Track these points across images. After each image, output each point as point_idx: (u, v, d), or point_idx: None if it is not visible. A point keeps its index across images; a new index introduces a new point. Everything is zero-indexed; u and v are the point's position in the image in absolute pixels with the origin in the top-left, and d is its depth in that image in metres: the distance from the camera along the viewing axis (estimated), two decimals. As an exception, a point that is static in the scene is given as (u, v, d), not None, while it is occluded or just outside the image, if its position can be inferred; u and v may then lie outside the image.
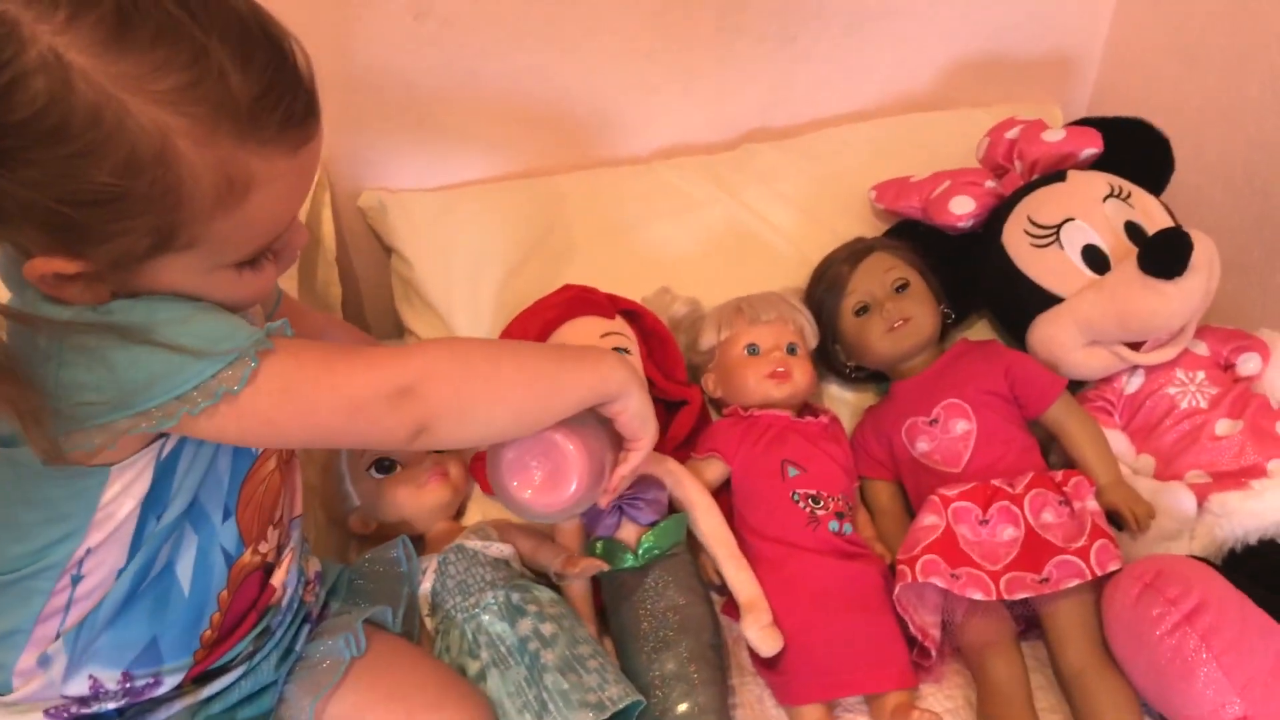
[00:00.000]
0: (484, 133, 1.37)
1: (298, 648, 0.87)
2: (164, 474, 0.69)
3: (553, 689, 0.89)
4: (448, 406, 0.69)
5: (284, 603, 0.85)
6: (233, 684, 0.81)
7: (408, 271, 1.31)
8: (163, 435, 0.68)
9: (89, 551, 0.69)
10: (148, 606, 0.74)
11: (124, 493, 0.68)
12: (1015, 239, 1.13)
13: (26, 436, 0.61)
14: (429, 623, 1.00)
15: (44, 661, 0.72)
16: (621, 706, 0.89)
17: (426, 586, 1.00)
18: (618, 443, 0.83)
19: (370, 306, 1.43)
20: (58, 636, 0.71)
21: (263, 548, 0.81)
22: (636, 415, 0.79)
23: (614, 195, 1.34)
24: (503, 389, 0.73)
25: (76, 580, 0.70)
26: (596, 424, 0.82)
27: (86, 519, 0.68)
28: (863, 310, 1.13)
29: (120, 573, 0.71)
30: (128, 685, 0.74)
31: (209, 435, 0.66)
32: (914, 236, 1.22)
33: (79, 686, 0.73)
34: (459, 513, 1.15)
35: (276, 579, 0.83)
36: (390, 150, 1.36)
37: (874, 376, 1.19)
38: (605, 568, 0.99)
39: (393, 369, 0.68)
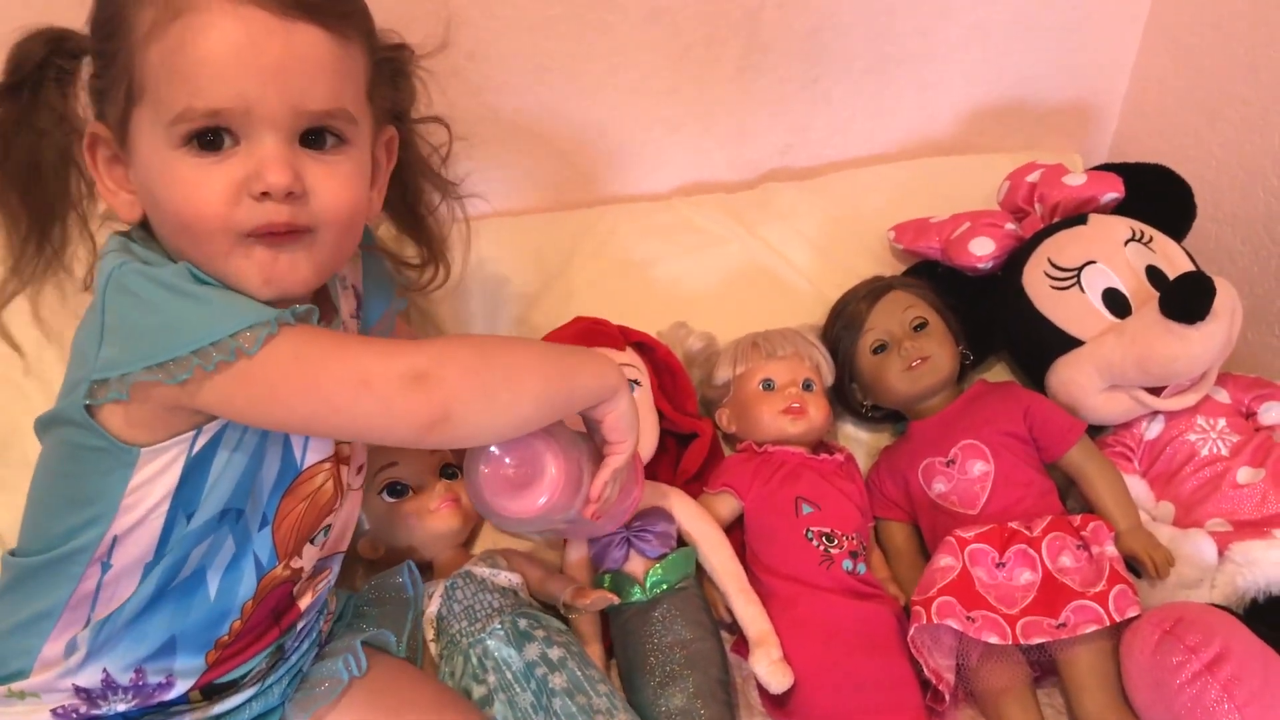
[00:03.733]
0: (504, 166, 1.37)
1: (305, 669, 0.86)
2: (195, 472, 0.70)
3: (561, 713, 0.88)
4: (469, 392, 0.69)
5: (302, 627, 0.84)
6: (243, 704, 0.80)
7: (424, 302, 1.30)
8: (195, 430, 0.68)
9: (116, 540, 0.70)
10: (172, 606, 0.74)
11: (152, 481, 0.69)
12: (1035, 281, 1.13)
13: None
14: (433, 648, 0.98)
15: (69, 649, 0.72)
16: None
17: (433, 610, 0.98)
18: (597, 456, 0.82)
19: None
20: (86, 624, 0.72)
21: (295, 563, 0.80)
22: (624, 416, 0.79)
23: (633, 230, 1.34)
24: (523, 376, 0.72)
25: (105, 568, 0.71)
26: (573, 434, 0.81)
27: (115, 502, 0.69)
28: (881, 348, 1.12)
29: (148, 568, 0.72)
30: (139, 683, 0.74)
31: (217, 403, 0.66)
32: (932, 277, 1.21)
33: (91, 679, 0.73)
34: (468, 541, 1.14)
35: (304, 601, 0.82)
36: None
37: (890, 416, 1.18)
38: (615, 600, 0.97)
39: (408, 351, 0.68)
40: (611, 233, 1.34)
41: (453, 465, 1.07)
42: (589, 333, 1.08)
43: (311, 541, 0.81)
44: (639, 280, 1.30)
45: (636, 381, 1.07)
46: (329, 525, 0.82)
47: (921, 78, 1.44)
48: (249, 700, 0.81)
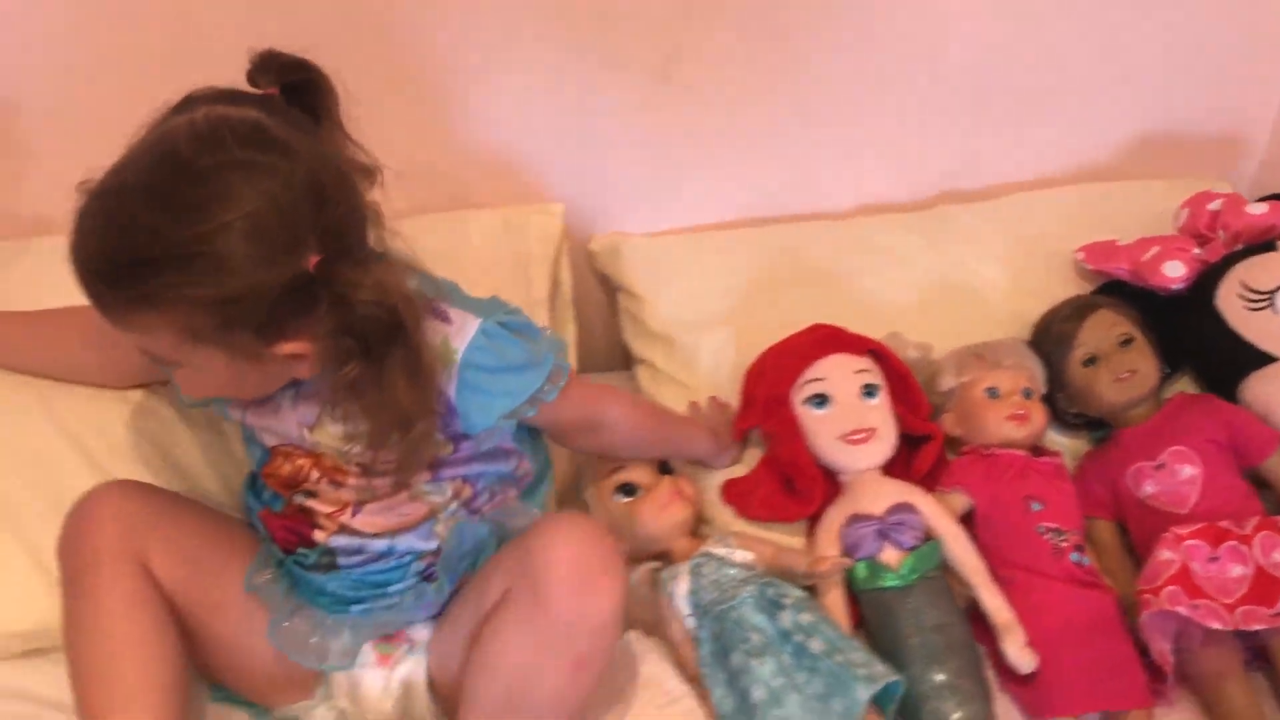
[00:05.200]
0: (707, 184, 1.49)
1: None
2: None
3: (824, 671, 0.98)
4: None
5: (346, 564, 1.00)
6: (298, 571, 1.01)
7: (637, 308, 1.41)
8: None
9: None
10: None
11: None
12: (1229, 302, 1.23)
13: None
14: (686, 625, 1.08)
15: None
16: (889, 681, 0.98)
17: (684, 588, 1.09)
18: None
19: (595, 340, 1.52)
20: None
21: (299, 500, 0.99)
22: None
23: (825, 246, 1.44)
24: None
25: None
26: None
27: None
28: (1090, 361, 1.23)
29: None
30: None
31: None
32: (1120, 296, 1.32)
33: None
34: (694, 530, 1.24)
35: (320, 535, 0.99)
36: (619, 199, 1.48)
37: (1091, 424, 1.28)
38: (850, 564, 1.08)
39: None
40: (805, 248, 1.44)
41: (665, 463, 1.19)
42: (831, 339, 1.19)
43: (307, 495, 0.99)
44: (835, 293, 1.39)
45: (876, 385, 1.17)
46: (310, 493, 0.99)
47: (1079, 109, 1.55)
48: (302, 571, 1.01)
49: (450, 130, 1.36)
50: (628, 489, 1.15)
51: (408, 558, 1.00)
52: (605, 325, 1.52)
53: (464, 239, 1.33)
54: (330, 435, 0.94)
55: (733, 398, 1.29)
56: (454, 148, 1.37)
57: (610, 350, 1.50)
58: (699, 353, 1.36)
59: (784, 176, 1.52)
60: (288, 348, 0.83)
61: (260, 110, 0.81)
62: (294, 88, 0.85)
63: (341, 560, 1.00)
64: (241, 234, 0.76)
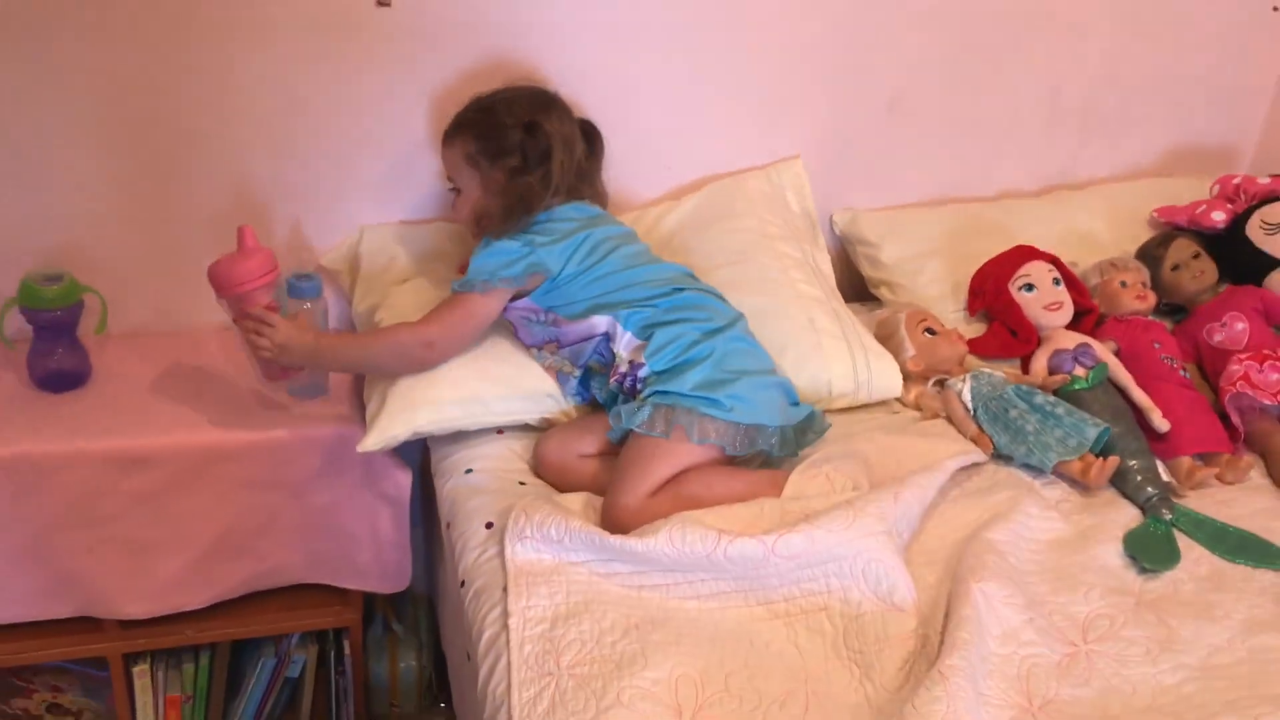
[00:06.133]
0: (908, 175, 2.31)
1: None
2: None
3: (1065, 424, 1.74)
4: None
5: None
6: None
7: (874, 254, 2.22)
8: None
9: None
10: None
11: None
12: (1254, 231, 2.08)
13: None
14: (969, 407, 1.84)
15: None
16: (1101, 429, 1.75)
17: (968, 387, 1.83)
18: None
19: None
20: None
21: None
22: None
23: (989, 215, 2.27)
24: None
25: None
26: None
27: None
28: (1175, 268, 2.06)
29: None
30: None
31: None
32: (1183, 232, 2.16)
33: None
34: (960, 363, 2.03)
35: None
36: (855, 186, 2.29)
37: (1173, 310, 2.11)
38: (1068, 379, 1.87)
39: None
40: (974, 216, 2.27)
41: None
42: (1030, 252, 2.01)
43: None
44: (1002, 243, 2.21)
45: (1059, 278, 1.99)
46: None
47: (1128, 122, 2.41)
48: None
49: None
50: (930, 330, 1.93)
51: None
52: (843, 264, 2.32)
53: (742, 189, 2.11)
54: None
55: (934, 305, 2.09)
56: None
57: (850, 282, 2.30)
58: (919, 276, 2.16)
59: (957, 173, 2.35)
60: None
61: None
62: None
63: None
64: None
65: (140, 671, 1.93)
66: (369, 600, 2.11)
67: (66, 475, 1.69)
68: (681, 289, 1.69)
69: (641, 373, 1.62)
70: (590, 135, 1.80)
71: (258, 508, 1.80)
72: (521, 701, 1.31)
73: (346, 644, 2.02)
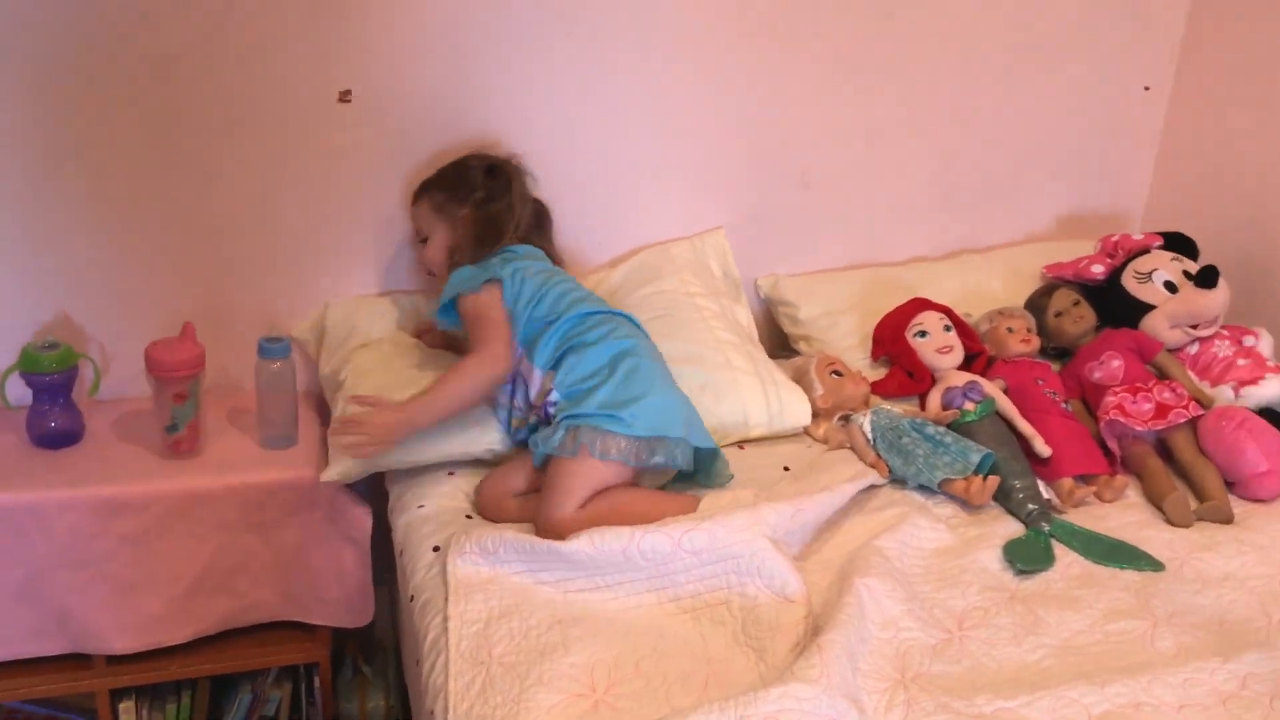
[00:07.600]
0: (831, 245, 2.57)
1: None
2: None
3: (952, 450, 1.97)
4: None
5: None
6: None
7: (794, 313, 2.47)
8: None
9: None
10: None
11: None
12: (1130, 281, 2.32)
13: None
14: (868, 438, 2.08)
15: None
16: (984, 454, 1.97)
17: (868, 421, 2.05)
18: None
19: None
20: None
21: None
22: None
23: (895, 277, 2.52)
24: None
25: None
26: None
27: None
28: (1057, 315, 2.30)
29: None
30: None
31: None
32: (1066, 286, 2.41)
33: None
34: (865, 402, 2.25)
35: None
36: (777, 254, 2.54)
37: (1059, 353, 2.35)
38: (957, 414, 2.10)
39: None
40: (881, 279, 2.52)
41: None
42: (923, 304, 2.25)
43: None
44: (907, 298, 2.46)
45: (950, 325, 2.23)
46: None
47: (1022, 199, 2.67)
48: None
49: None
50: (837, 372, 2.17)
51: None
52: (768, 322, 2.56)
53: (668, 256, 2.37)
54: None
55: (845, 354, 2.33)
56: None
57: (773, 337, 2.54)
58: (833, 331, 2.41)
59: (869, 242, 2.60)
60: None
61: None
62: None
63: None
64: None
65: (126, 708, 2.10)
66: (339, 644, 2.28)
67: (60, 520, 1.89)
68: (594, 311, 1.91)
69: (553, 397, 1.83)
70: (539, 211, 2.07)
71: (234, 548, 2.00)
72: (457, 688, 1.50)
73: (317, 679, 2.19)
